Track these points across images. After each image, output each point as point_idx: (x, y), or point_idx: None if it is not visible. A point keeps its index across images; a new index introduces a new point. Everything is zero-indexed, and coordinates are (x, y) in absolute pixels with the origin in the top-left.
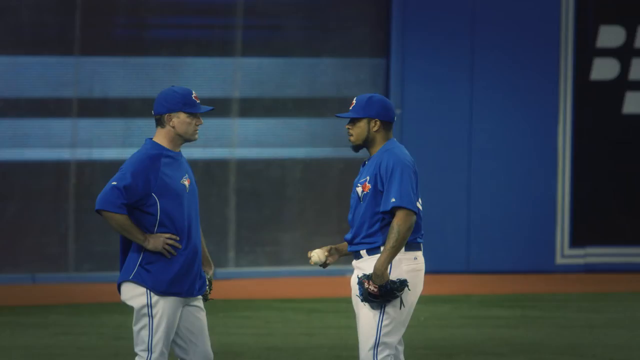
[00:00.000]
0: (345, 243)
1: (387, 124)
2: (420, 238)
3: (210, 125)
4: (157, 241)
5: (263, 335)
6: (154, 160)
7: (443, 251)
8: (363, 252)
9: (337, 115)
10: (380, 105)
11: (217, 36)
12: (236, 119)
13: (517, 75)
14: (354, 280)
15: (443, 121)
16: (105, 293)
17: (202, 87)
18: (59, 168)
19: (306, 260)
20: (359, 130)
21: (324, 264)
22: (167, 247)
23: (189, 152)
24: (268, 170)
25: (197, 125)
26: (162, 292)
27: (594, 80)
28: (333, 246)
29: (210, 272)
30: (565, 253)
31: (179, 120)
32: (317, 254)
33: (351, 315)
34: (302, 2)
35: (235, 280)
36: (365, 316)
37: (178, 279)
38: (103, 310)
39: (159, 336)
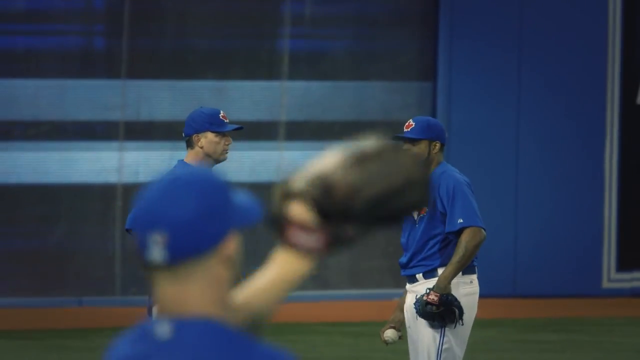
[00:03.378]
0: (402, 298)
1: (443, 146)
2: (475, 261)
3: (257, 148)
4: None
5: (310, 359)
6: None
7: (490, 274)
8: (419, 276)
9: (397, 135)
10: (440, 128)
11: (263, 59)
12: (283, 142)
13: (565, 97)
14: (409, 305)
15: (490, 144)
16: None
17: (249, 110)
18: (106, 191)
19: (353, 283)
20: (420, 152)
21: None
22: None
23: (236, 176)
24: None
25: (227, 144)
26: None
27: None
28: (394, 316)
29: None
30: (612, 277)
31: (207, 140)
32: (391, 335)
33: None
34: (349, 25)
35: (282, 304)
36: (425, 338)
37: None
38: None
39: None
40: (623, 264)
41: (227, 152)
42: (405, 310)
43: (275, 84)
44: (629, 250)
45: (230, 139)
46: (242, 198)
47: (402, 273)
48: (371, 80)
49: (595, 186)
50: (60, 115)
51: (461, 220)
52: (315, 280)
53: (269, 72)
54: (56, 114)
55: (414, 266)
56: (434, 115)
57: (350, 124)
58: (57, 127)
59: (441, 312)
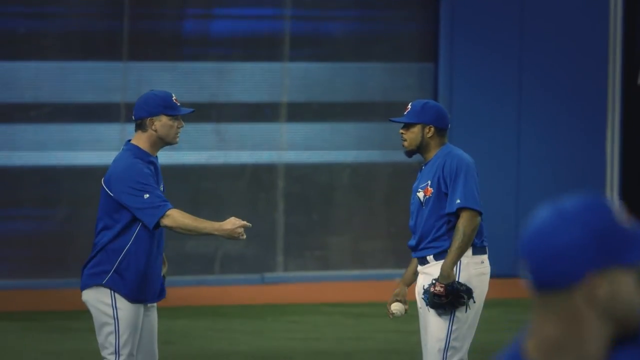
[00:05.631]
0: (407, 273)
1: (441, 130)
2: (485, 241)
3: (258, 129)
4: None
5: (312, 339)
6: (145, 165)
7: (491, 255)
8: (430, 257)
9: (391, 119)
10: (434, 111)
11: (265, 41)
12: (284, 124)
13: (566, 81)
14: (419, 286)
15: (491, 126)
16: None
17: (250, 91)
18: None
19: (355, 264)
20: (413, 136)
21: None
22: (240, 230)
23: (238, 156)
24: (316, 175)
25: (179, 127)
26: (133, 300)
27: None
28: (400, 290)
29: (165, 270)
30: None
31: (161, 123)
32: (398, 308)
33: (400, 319)
34: (350, 6)
35: (284, 285)
36: (435, 321)
37: (148, 285)
38: None
39: (125, 338)
40: None
41: (178, 136)
42: (417, 293)
43: (276, 65)
44: None
45: (183, 122)
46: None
47: (413, 255)
48: (372, 61)
49: (596, 167)
50: (61, 98)
51: (459, 201)
52: (317, 260)
53: (270, 53)
54: (57, 96)
55: (423, 248)
56: (435, 97)
57: (352, 105)
58: (58, 109)
59: (449, 300)
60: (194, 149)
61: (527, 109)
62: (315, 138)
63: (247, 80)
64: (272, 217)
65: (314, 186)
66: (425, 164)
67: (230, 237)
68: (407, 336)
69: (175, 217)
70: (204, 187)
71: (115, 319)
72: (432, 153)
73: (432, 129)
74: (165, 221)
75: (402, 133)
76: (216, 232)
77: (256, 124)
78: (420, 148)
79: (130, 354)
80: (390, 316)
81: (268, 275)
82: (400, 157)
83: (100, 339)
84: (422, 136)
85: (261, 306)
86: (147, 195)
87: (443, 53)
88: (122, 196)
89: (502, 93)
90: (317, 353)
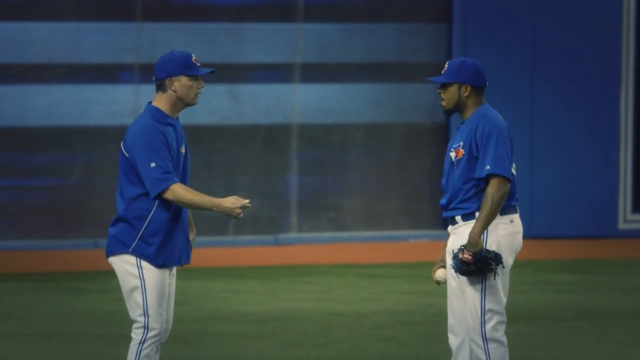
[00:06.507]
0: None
1: (478, 89)
2: (515, 201)
3: (272, 90)
4: (232, 206)
5: (325, 300)
6: (162, 128)
7: None
8: (458, 218)
9: (428, 79)
10: (471, 70)
11: (278, 1)
12: (298, 85)
13: (581, 43)
14: (450, 247)
15: (505, 87)
16: None
17: (264, 52)
18: (122, 134)
19: (368, 225)
20: (450, 95)
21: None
22: (238, 210)
23: (251, 117)
24: (330, 136)
25: (199, 88)
26: (159, 265)
27: None
28: (443, 256)
29: (193, 237)
30: (627, 218)
31: (180, 84)
32: (442, 275)
33: (413, 280)
34: None
35: (297, 246)
36: (469, 286)
37: (174, 250)
38: None
39: (152, 299)
40: (639, 205)
41: (198, 96)
42: (446, 252)
43: (290, 26)
44: None
45: (203, 83)
46: None
47: (443, 215)
48: (386, 22)
49: (610, 127)
50: (75, 58)
51: (488, 167)
52: (331, 222)
53: (285, 14)
54: (71, 57)
55: (453, 208)
56: (448, 57)
57: (365, 66)
58: (72, 70)
59: (478, 268)
60: (207, 109)
61: (540, 69)
62: (329, 99)
63: (261, 41)
64: (286, 178)
65: (328, 147)
66: (462, 123)
67: (228, 215)
68: (420, 297)
69: (177, 191)
70: (217, 148)
71: (142, 279)
72: (469, 112)
73: (469, 88)
74: (166, 194)
75: (440, 92)
76: (215, 208)
77: (270, 84)
78: (458, 107)
79: (159, 314)
80: (437, 284)
81: (282, 236)
82: (413, 117)
83: (129, 300)
84: (459, 96)
85: (275, 267)
86: (154, 164)
87: (457, 14)
88: (134, 157)
89: (516, 54)
90: (331, 314)
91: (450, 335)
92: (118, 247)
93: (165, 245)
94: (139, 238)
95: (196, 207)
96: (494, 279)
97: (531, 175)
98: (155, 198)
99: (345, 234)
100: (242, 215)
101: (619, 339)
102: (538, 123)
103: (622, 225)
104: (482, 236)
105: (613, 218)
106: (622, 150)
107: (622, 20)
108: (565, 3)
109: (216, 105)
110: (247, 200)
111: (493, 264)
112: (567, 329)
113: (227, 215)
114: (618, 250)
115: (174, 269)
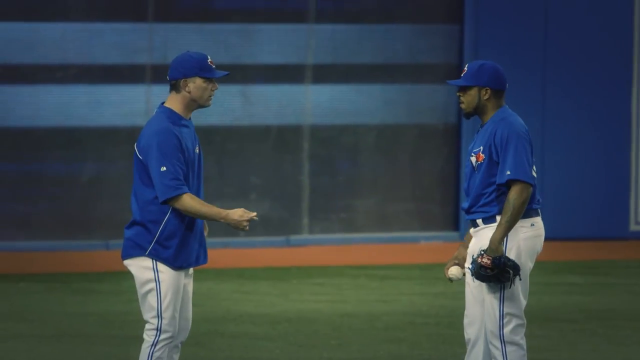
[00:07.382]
0: (468, 236)
1: (498, 92)
2: (537, 204)
3: (283, 91)
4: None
5: (337, 302)
6: (176, 130)
7: None
8: (479, 221)
9: (449, 82)
10: (491, 73)
11: (291, 2)
12: (310, 86)
13: (591, 40)
14: (471, 249)
15: (516, 87)
16: None
17: (276, 53)
18: (133, 134)
19: (380, 227)
20: (470, 99)
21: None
22: (245, 223)
23: (263, 118)
24: (341, 137)
25: (213, 90)
26: (176, 267)
27: None
28: (459, 253)
29: (205, 234)
30: (639, 220)
31: (195, 85)
32: (455, 272)
33: (424, 282)
34: None
35: (309, 247)
36: (487, 293)
37: (190, 252)
38: None
39: (167, 301)
40: None
41: (212, 98)
42: (468, 254)
43: (302, 26)
44: None
45: (217, 85)
46: None
47: (466, 217)
48: (398, 22)
49: (622, 128)
50: (87, 59)
51: (509, 173)
52: (342, 223)
53: (296, 14)
54: (83, 57)
55: (474, 212)
56: (460, 58)
57: (377, 66)
58: (84, 70)
59: (495, 274)
60: (219, 110)
61: (552, 70)
62: (341, 99)
63: (272, 41)
64: (298, 179)
65: (340, 148)
66: (482, 126)
67: (235, 227)
68: (431, 299)
69: (185, 202)
70: (229, 149)
71: (157, 281)
72: (489, 115)
73: (489, 91)
74: (175, 203)
75: (459, 95)
76: (222, 220)
77: (281, 85)
78: (478, 110)
79: (172, 317)
80: (450, 281)
81: (293, 237)
82: (425, 118)
83: (143, 302)
84: (479, 99)
85: (286, 268)
86: (164, 168)
87: (468, 14)
88: (147, 159)
89: (528, 54)
90: (342, 315)
91: (466, 328)
92: (134, 250)
93: (183, 247)
94: (155, 242)
95: (204, 218)
96: (510, 287)
97: (542, 176)
98: (163, 203)
99: (357, 236)
100: (248, 227)
101: (630, 340)
102: (549, 124)
103: (633, 227)
104: (502, 242)
105: (624, 220)
106: (633, 151)
107: (634, 19)
108: (577, 4)
109: (228, 106)
110: (254, 213)
111: (511, 272)
112: (578, 331)
113: (234, 227)
114: (629, 252)
115: (191, 270)
